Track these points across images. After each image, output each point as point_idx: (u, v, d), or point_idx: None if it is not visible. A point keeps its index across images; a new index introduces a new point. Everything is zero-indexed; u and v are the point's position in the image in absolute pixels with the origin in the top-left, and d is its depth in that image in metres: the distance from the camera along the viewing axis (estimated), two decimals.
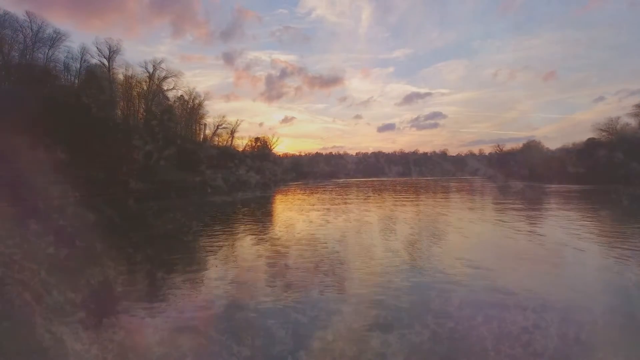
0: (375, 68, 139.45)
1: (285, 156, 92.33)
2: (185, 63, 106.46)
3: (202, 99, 62.14)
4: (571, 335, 5.12)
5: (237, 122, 70.72)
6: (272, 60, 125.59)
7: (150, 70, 53.58)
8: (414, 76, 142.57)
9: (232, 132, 68.20)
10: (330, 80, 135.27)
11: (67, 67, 42.40)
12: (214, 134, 65.01)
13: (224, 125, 66.49)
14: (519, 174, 67.02)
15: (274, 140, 79.00)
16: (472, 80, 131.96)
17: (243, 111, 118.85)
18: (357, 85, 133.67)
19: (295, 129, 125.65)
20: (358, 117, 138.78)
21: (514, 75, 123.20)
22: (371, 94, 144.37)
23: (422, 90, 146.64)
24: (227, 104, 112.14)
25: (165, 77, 54.66)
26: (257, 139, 75.67)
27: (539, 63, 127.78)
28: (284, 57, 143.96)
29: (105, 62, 47.10)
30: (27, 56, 38.03)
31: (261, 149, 73.19)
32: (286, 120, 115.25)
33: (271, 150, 77.62)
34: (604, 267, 9.31)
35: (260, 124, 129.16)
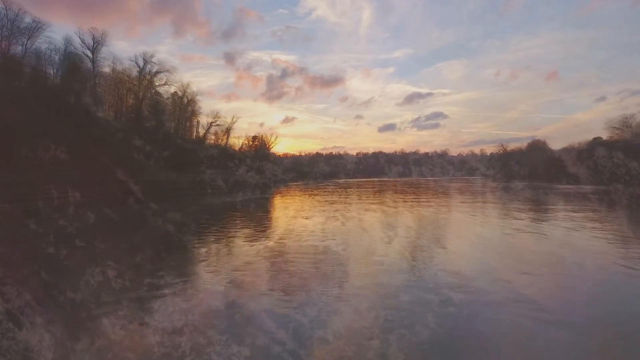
0: (376, 68, 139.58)
1: (285, 156, 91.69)
2: (186, 63, 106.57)
3: (194, 94, 56.99)
4: None
5: (232, 120, 65.41)
6: (273, 60, 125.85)
7: (141, 65, 49.16)
8: (414, 76, 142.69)
9: (228, 131, 63.94)
10: (331, 81, 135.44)
11: (47, 59, 38.18)
12: (207, 131, 60.34)
13: (217, 123, 61.91)
14: (524, 174, 65.82)
15: (272, 139, 74.66)
16: (473, 81, 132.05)
17: (244, 111, 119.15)
18: (357, 85, 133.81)
19: (296, 129, 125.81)
20: (359, 117, 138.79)
21: (516, 75, 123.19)
22: (372, 94, 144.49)
23: (423, 91, 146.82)
24: (228, 104, 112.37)
25: (157, 72, 50.71)
26: (254, 138, 71.49)
27: (540, 63, 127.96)
28: (285, 57, 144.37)
29: (89, 54, 43.04)
30: (2, 47, 33.95)
31: (259, 149, 69.77)
32: (287, 120, 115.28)
33: (269, 149, 73.69)
34: None
35: (261, 124, 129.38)
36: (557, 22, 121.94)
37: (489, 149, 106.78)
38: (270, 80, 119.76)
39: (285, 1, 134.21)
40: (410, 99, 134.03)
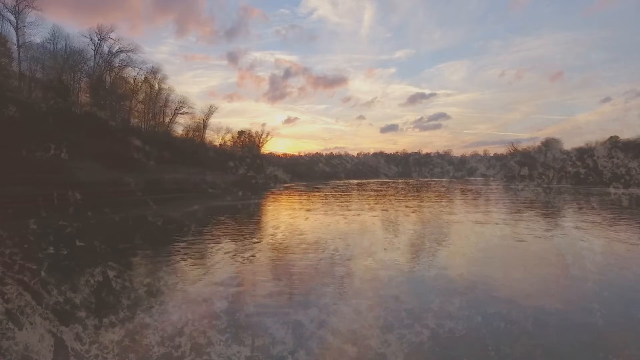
0: (378, 68, 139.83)
1: (285, 156, 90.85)
2: (188, 63, 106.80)
3: (161, 74, 47.19)
4: None
5: (210, 109, 55.14)
6: (276, 60, 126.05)
7: (96, 41, 40.44)
8: (416, 77, 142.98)
9: (204, 122, 54.26)
10: (333, 81, 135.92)
11: None
12: (172, 121, 49.55)
13: (184, 110, 50.35)
14: (537, 175, 63.68)
15: (264, 136, 66.52)
16: (475, 82, 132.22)
17: (246, 112, 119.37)
18: (359, 86, 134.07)
19: (298, 129, 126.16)
20: (361, 117, 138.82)
21: (518, 76, 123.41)
22: (374, 94, 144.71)
23: (424, 91, 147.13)
24: (230, 104, 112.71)
25: (119, 52, 42.01)
26: (241, 133, 62.68)
27: (543, 64, 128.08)
28: (287, 57, 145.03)
29: (12, 19, 32.69)
30: None
31: (247, 147, 60.30)
32: (289, 120, 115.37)
33: (260, 147, 65.24)
34: None
35: (263, 124, 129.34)
36: (561, 22, 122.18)
37: (492, 150, 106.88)
38: (273, 80, 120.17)
39: (286, 1, 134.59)
40: (413, 99, 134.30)
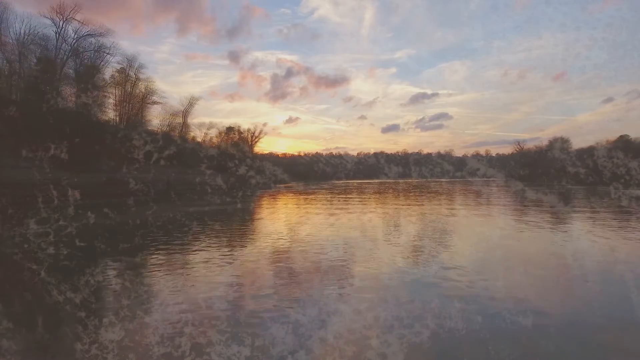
0: (379, 69, 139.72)
1: (285, 156, 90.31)
2: (188, 62, 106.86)
3: (138, 64, 41.69)
4: None
5: (190, 101, 49.42)
6: (277, 59, 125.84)
7: (58, 23, 34.32)
8: (416, 77, 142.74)
9: (184, 115, 48.83)
10: (334, 81, 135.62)
11: None
12: (140, 112, 42.83)
13: (154, 99, 43.55)
14: (538, 175, 62.20)
15: (257, 133, 62.52)
16: (475, 82, 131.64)
17: (247, 112, 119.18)
18: (360, 86, 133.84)
19: (299, 129, 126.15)
20: (362, 117, 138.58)
21: (520, 76, 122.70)
22: (375, 94, 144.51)
23: (425, 91, 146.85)
24: (231, 104, 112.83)
25: (86, 35, 36.48)
26: (229, 129, 57.59)
27: (544, 64, 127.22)
28: (288, 57, 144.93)
29: None
30: None
31: (237, 145, 55.21)
32: (290, 120, 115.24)
33: (252, 145, 61.34)
34: None
35: (264, 124, 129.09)
36: (562, 22, 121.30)
37: (494, 150, 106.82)
38: (274, 79, 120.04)
39: (287, 0, 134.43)
40: (415, 99, 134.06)
